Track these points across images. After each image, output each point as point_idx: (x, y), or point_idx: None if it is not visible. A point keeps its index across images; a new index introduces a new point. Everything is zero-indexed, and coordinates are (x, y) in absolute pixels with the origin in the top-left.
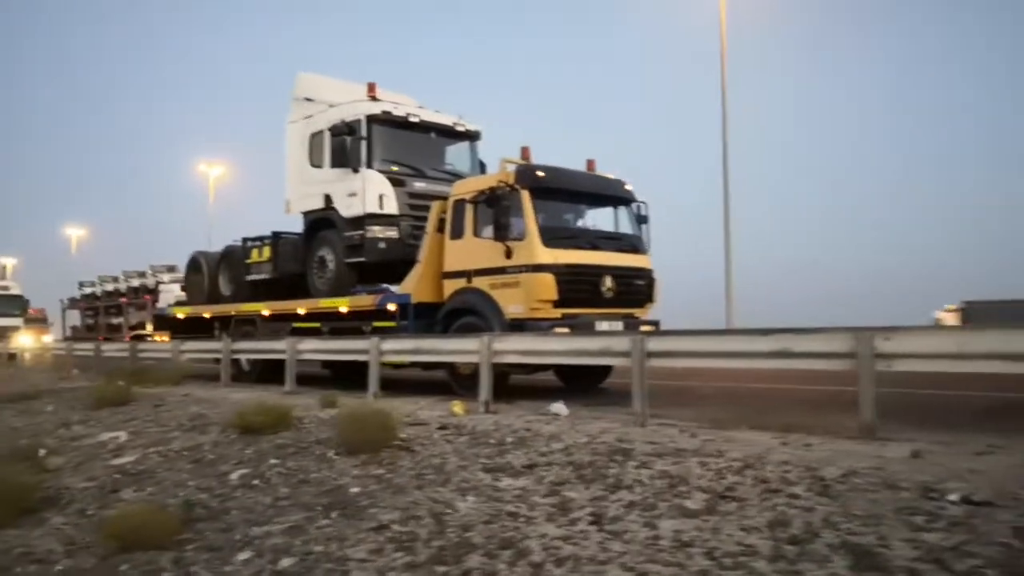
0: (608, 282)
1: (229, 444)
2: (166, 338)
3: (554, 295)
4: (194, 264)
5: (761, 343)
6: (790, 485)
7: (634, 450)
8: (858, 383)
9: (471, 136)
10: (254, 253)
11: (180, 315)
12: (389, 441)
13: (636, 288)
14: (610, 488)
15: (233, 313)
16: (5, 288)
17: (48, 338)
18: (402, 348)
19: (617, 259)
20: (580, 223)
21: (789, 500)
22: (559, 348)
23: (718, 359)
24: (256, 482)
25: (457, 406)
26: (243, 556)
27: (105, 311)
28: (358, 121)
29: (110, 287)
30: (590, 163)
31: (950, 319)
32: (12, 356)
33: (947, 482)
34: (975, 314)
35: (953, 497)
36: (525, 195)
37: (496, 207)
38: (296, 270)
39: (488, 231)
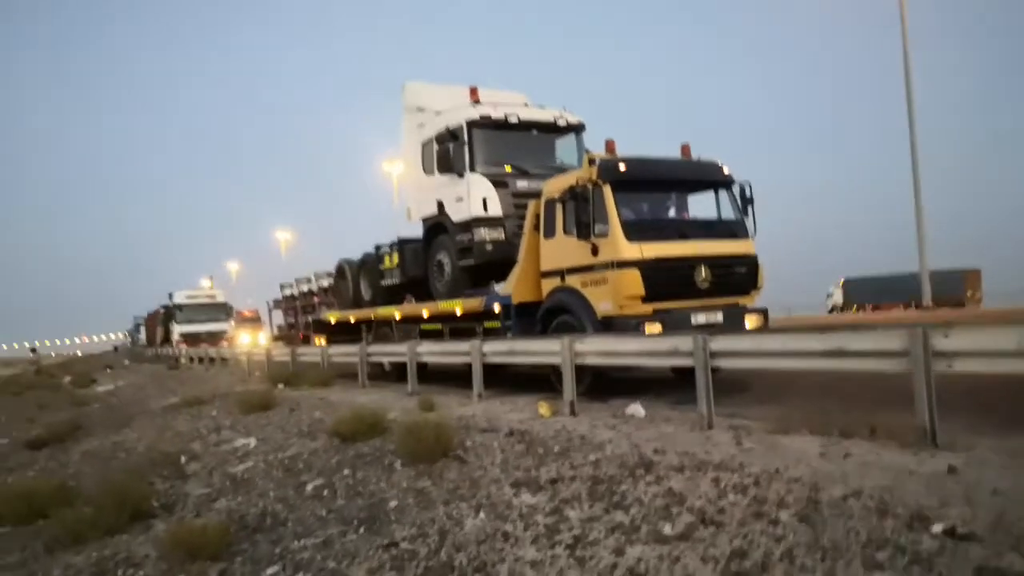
0: (703, 272)
1: (324, 452)
2: (323, 341)
3: (641, 291)
4: (340, 271)
5: (818, 342)
6: (781, 508)
7: (661, 463)
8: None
9: (575, 128)
10: (386, 259)
11: (332, 319)
12: (447, 451)
13: (737, 276)
14: (610, 507)
15: (372, 317)
16: (212, 296)
17: (263, 336)
18: (499, 350)
19: (712, 247)
20: (673, 212)
21: (767, 526)
22: (632, 349)
23: (779, 359)
24: (325, 492)
25: (543, 407)
26: (271, 570)
27: (303, 310)
28: (460, 127)
29: (304, 288)
30: (684, 148)
31: (839, 293)
32: (212, 360)
33: (949, 508)
34: (851, 290)
35: (936, 528)
36: (607, 190)
37: (579, 204)
38: (420, 274)
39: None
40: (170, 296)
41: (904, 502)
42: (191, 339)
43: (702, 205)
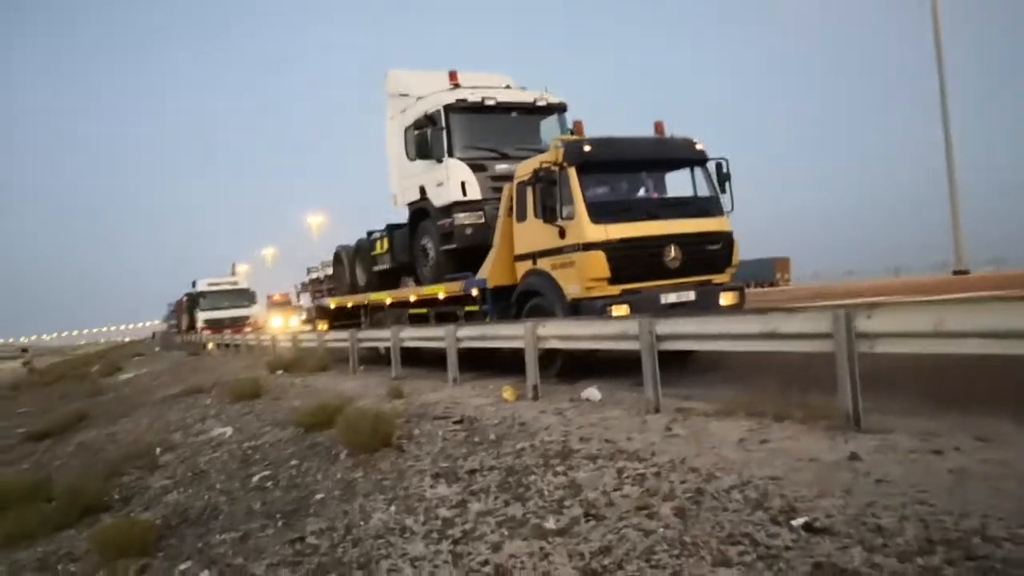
0: (672, 251)
1: (285, 442)
2: (326, 326)
3: (607, 272)
4: (337, 257)
5: (754, 324)
6: (666, 500)
7: (580, 452)
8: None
9: (555, 109)
10: (377, 245)
11: (332, 305)
12: (388, 441)
13: (710, 254)
14: (511, 499)
15: (367, 302)
16: (234, 283)
17: (295, 319)
18: (472, 335)
19: (682, 226)
20: (644, 191)
21: (643, 520)
22: (586, 333)
23: (720, 341)
24: (268, 484)
25: (507, 391)
26: (183, 566)
27: (328, 293)
28: (437, 112)
29: (330, 271)
30: (658, 125)
31: None
32: (228, 346)
33: (824, 499)
34: None
35: (797, 522)
36: (572, 172)
37: (545, 187)
38: (407, 260)
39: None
40: (193, 284)
41: (784, 493)
42: (214, 325)
43: (683, 183)
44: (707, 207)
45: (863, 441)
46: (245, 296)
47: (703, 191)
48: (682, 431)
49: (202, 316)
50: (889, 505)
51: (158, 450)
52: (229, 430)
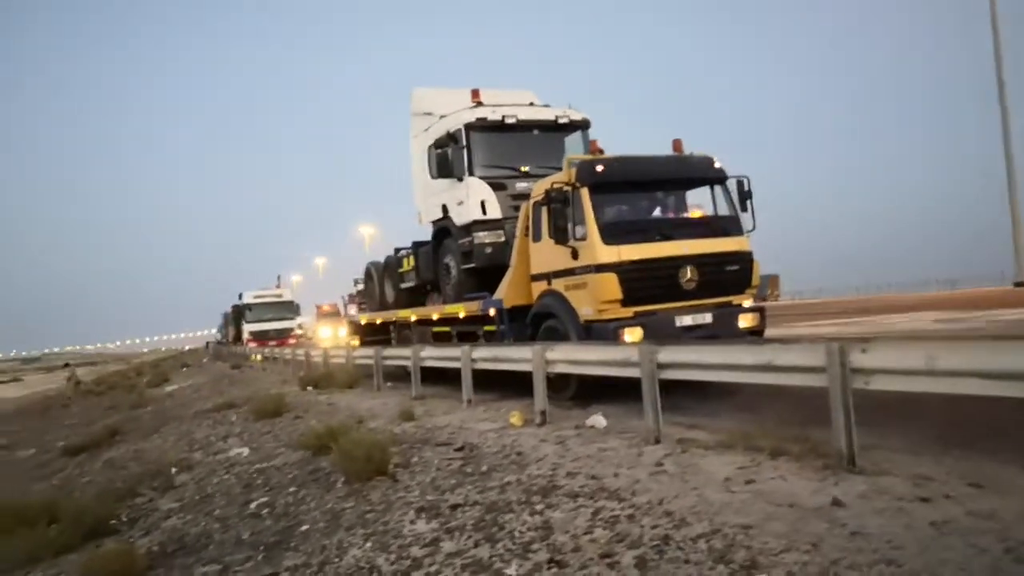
0: (688, 273)
1: (291, 466)
2: (357, 341)
3: (619, 294)
4: (368, 274)
5: (750, 356)
6: (631, 548)
7: (563, 488)
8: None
9: (578, 126)
10: (404, 262)
11: (363, 321)
12: (383, 469)
13: (728, 275)
14: (483, 540)
15: (394, 319)
16: (279, 296)
17: (343, 330)
18: (485, 356)
19: (699, 246)
20: (661, 211)
21: (604, 569)
22: (592, 358)
23: (718, 371)
24: (264, 512)
25: (515, 416)
26: None
27: (361, 309)
28: (458, 131)
29: None
30: (676, 143)
31: None
32: (265, 359)
33: (790, 552)
34: None
35: None
36: (584, 193)
37: (557, 208)
38: (432, 277)
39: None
40: (240, 296)
41: (751, 545)
42: (260, 337)
43: (706, 202)
44: (725, 226)
45: (852, 484)
46: (289, 308)
47: (721, 210)
48: (672, 467)
49: (248, 328)
50: (855, 563)
51: (174, 470)
52: (246, 450)
